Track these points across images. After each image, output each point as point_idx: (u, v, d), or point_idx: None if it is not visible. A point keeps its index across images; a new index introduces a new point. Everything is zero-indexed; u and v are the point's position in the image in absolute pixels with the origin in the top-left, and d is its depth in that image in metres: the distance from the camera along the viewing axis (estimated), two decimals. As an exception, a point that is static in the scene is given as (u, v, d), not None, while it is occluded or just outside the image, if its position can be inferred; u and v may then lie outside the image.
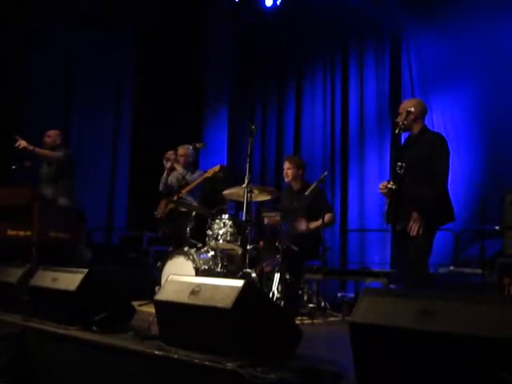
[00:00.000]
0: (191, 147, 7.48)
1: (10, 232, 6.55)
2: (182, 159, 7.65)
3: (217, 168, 7.05)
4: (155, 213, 7.69)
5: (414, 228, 4.91)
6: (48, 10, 9.41)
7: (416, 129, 5.21)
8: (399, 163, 5.04)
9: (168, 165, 7.66)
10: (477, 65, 7.83)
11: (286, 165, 6.93)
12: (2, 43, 8.93)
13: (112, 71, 10.56)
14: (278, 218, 6.55)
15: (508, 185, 6.67)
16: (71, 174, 7.42)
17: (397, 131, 5.19)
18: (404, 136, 5.75)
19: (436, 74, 8.25)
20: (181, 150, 7.68)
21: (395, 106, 8.81)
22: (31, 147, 7.13)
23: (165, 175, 7.71)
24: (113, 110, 10.72)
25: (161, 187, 7.77)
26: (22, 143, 7.09)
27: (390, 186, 5.03)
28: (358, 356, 2.70)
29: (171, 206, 7.28)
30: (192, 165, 7.81)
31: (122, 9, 10.12)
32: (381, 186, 5.20)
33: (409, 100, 5.59)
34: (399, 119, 5.21)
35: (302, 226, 6.62)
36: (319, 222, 6.57)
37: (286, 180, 6.98)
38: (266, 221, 6.87)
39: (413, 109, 5.11)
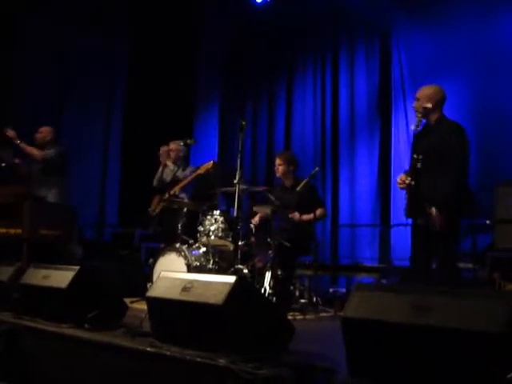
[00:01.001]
0: (182, 143, 7.47)
1: (1, 230, 6.54)
2: (172, 154, 7.67)
3: (209, 164, 7.04)
4: (149, 210, 7.68)
5: (436, 224, 4.80)
6: (41, 10, 9.39)
7: (433, 117, 5.04)
8: (415, 155, 4.90)
9: (161, 160, 7.68)
10: (466, 60, 7.84)
11: (277, 161, 6.92)
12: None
13: (103, 68, 10.52)
14: (268, 212, 6.55)
15: (498, 178, 6.68)
16: (63, 171, 7.41)
17: (413, 127, 5.06)
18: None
19: (426, 70, 8.24)
20: (172, 146, 7.69)
21: (385, 103, 8.88)
22: (18, 141, 7.12)
23: (159, 171, 7.72)
24: (104, 107, 10.70)
25: (155, 182, 7.79)
26: (11, 133, 7.09)
27: (407, 181, 4.93)
28: (351, 351, 2.71)
29: (163, 204, 7.27)
30: (183, 161, 7.81)
31: (114, 6, 10.10)
32: (398, 180, 5.02)
33: (427, 86, 5.23)
34: (416, 105, 5.09)
35: (295, 215, 6.63)
36: (310, 216, 6.58)
37: (278, 175, 6.98)
38: (253, 221, 6.88)
39: (429, 105, 4.97)
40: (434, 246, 4.91)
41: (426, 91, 5.12)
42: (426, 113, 5.05)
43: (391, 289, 2.78)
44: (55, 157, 7.26)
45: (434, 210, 4.79)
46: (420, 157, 4.88)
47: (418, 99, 5.09)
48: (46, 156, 7.23)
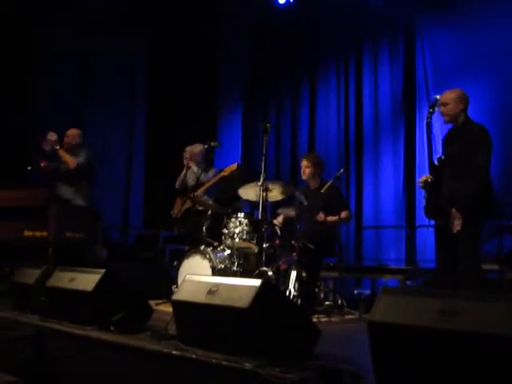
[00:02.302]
0: (205, 146, 7.47)
1: (27, 233, 6.58)
2: (195, 157, 7.67)
3: (234, 166, 7.05)
4: (172, 212, 7.69)
5: (454, 225, 4.80)
6: (62, 11, 9.44)
7: (460, 120, 5.07)
8: (438, 156, 4.93)
9: (185, 163, 7.69)
10: (491, 61, 7.76)
11: (304, 163, 6.88)
12: (16, 47, 8.98)
13: (125, 70, 10.59)
14: (292, 214, 6.54)
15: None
16: (91, 175, 7.41)
17: (446, 121, 5.12)
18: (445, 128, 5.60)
19: (450, 70, 8.18)
20: (195, 149, 7.69)
21: (409, 103, 8.82)
22: (58, 146, 7.14)
23: (183, 173, 7.72)
24: (127, 109, 10.76)
25: (177, 184, 7.79)
26: (53, 136, 7.10)
27: (429, 180, 4.93)
28: (377, 355, 2.68)
29: (187, 205, 7.28)
30: (205, 163, 7.81)
31: (134, 8, 10.14)
32: (420, 179, 5.07)
33: (451, 91, 5.25)
34: (446, 110, 5.09)
35: (320, 216, 6.60)
36: (336, 217, 6.55)
37: (304, 178, 6.94)
38: (276, 222, 6.87)
39: (461, 106, 5.02)
40: (457, 248, 4.89)
41: (451, 95, 5.13)
42: (455, 116, 5.06)
43: (418, 292, 2.76)
44: (86, 163, 7.27)
45: (453, 211, 4.79)
46: (442, 157, 4.90)
47: (445, 104, 5.08)
48: (78, 165, 7.21)
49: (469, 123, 5.07)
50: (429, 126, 4.98)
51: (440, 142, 5.30)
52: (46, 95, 9.44)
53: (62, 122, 8.70)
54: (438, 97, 5.09)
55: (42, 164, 7.22)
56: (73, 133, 7.43)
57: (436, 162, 4.93)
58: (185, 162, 7.73)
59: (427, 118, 5.00)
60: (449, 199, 4.86)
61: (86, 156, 7.29)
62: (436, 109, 5.02)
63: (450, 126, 5.22)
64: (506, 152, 7.52)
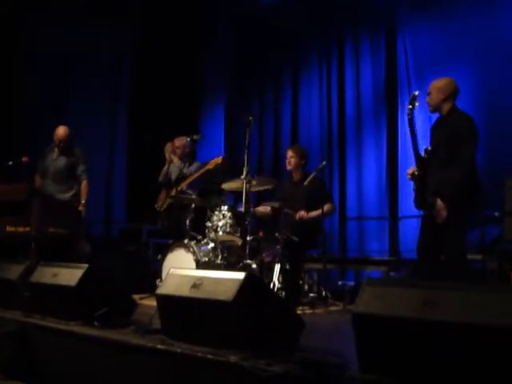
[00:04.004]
0: (188, 139, 7.46)
1: (9, 228, 6.53)
2: (178, 151, 7.65)
3: (219, 160, 7.05)
4: (156, 206, 7.68)
5: (439, 215, 4.82)
6: (44, 10, 9.38)
7: (445, 109, 5.05)
8: (425, 147, 4.92)
9: (167, 157, 7.66)
10: (472, 52, 7.80)
11: (290, 153, 6.92)
12: (1, 46, 8.93)
13: (109, 63, 10.51)
14: (272, 209, 6.57)
15: (508, 170, 6.65)
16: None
17: (431, 111, 5.15)
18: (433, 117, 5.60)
19: (431, 62, 8.20)
20: (177, 142, 7.67)
21: (391, 95, 8.84)
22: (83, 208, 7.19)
23: (166, 167, 7.69)
24: (109, 102, 10.68)
25: (160, 178, 7.76)
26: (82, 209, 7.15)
27: (416, 172, 4.95)
28: (361, 346, 2.70)
29: (170, 200, 7.27)
30: (189, 156, 7.80)
31: (120, 8, 10.10)
32: (408, 171, 5.11)
33: (438, 79, 5.24)
34: (429, 100, 5.10)
35: (301, 215, 6.62)
36: (318, 212, 6.56)
37: (289, 168, 6.97)
38: (260, 208, 6.88)
39: (441, 96, 5.02)
40: (442, 238, 4.91)
41: (434, 84, 5.14)
42: (437, 106, 5.06)
43: (401, 283, 2.77)
44: (86, 167, 7.37)
45: (438, 201, 4.80)
46: (429, 147, 4.91)
47: (429, 93, 5.11)
48: (85, 175, 7.30)
49: (454, 112, 5.05)
50: (411, 121, 4.99)
51: (426, 133, 5.33)
52: (28, 90, 9.36)
53: (48, 120, 8.71)
54: (417, 93, 5.10)
55: (24, 159, 7.17)
56: (65, 133, 7.37)
57: (423, 154, 4.94)
58: (166, 156, 7.70)
59: (408, 114, 5.01)
60: (434, 189, 4.87)
61: (84, 159, 7.39)
62: (416, 104, 5.02)
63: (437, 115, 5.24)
64: (489, 142, 7.56)
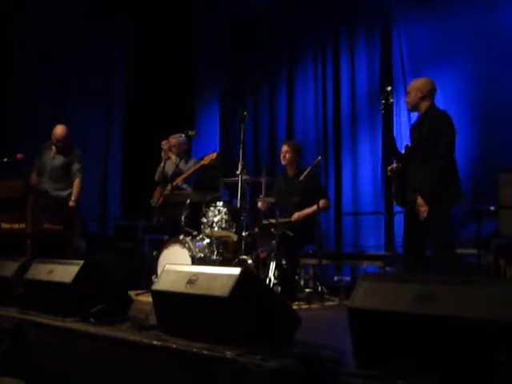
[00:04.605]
0: (183, 135, 7.44)
1: (4, 225, 6.52)
2: (174, 149, 7.61)
3: (213, 155, 7.05)
4: (151, 201, 7.66)
5: (420, 212, 4.87)
6: (39, 9, 9.36)
7: (423, 108, 5.13)
8: (405, 144, 4.99)
9: (163, 155, 7.63)
10: (467, 47, 7.81)
11: (285, 148, 6.93)
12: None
13: (104, 59, 10.47)
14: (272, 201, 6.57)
15: (501, 164, 6.66)
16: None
17: (410, 109, 5.29)
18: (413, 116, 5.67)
19: (426, 57, 8.22)
20: (172, 140, 7.62)
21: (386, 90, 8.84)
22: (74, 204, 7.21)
23: (161, 165, 7.66)
24: (105, 100, 10.66)
25: (156, 177, 7.71)
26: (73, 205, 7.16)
27: (392, 167, 5.01)
28: (357, 341, 2.70)
29: (165, 193, 7.26)
30: (185, 153, 7.78)
31: (113, 2, 10.08)
32: (388, 168, 5.21)
33: (417, 79, 5.42)
34: (408, 99, 5.17)
35: (298, 216, 6.62)
36: (313, 208, 6.56)
37: (283, 163, 6.97)
38: (259, 204, 6.89)
39: (420, 94, 5.10)
40: (425, 233, 4.97)
41: (412, 84, 5.30)
42: (415, 104, 5.13)
43: (396, 278, 2.77)
44: (83, 166, 7.43)
45: (419, 198, 4.85)
46: (408, 145, 4.99)
47: (407, 93, 5.22)
48: (80, 174, 7.35)
49: (432, 110, 5.13)
50: (386, 117, 5.08)
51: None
52: (24, 88, 9.34)
53: (43, 118, 8.70)
54: (389, 88, 5.18)
55: (18, 156, 7.16)
56: (63, 132, 7.36)
57: (403, 151, 5.01)
58: (163, 153, 7.67)
59: (382, 109, 5.09)
60: (414, 187, 4.93)
61: (79, 159, 7.42)
62: (391, 100, 5.10)
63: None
64: (483, 135, 7.58)
